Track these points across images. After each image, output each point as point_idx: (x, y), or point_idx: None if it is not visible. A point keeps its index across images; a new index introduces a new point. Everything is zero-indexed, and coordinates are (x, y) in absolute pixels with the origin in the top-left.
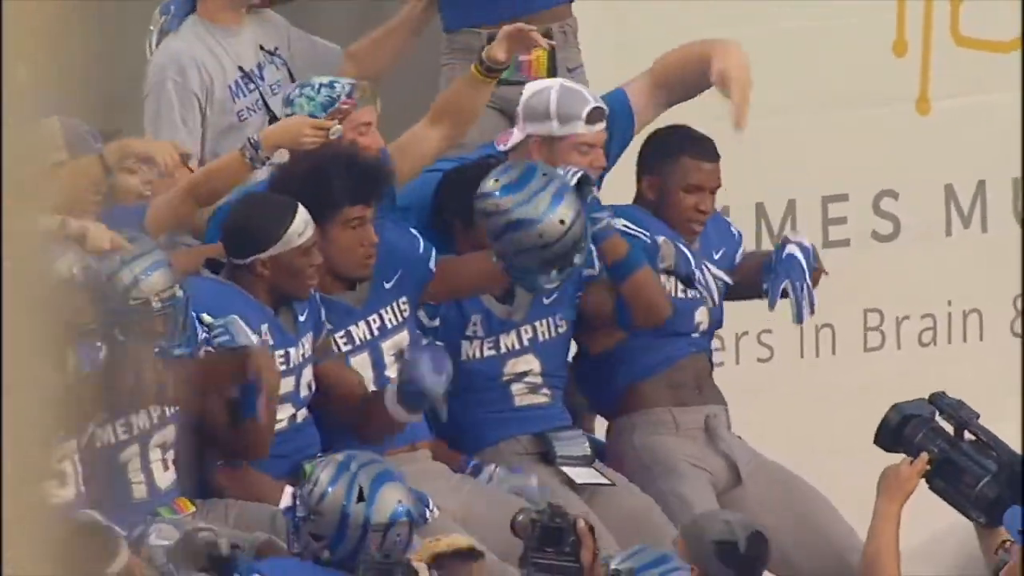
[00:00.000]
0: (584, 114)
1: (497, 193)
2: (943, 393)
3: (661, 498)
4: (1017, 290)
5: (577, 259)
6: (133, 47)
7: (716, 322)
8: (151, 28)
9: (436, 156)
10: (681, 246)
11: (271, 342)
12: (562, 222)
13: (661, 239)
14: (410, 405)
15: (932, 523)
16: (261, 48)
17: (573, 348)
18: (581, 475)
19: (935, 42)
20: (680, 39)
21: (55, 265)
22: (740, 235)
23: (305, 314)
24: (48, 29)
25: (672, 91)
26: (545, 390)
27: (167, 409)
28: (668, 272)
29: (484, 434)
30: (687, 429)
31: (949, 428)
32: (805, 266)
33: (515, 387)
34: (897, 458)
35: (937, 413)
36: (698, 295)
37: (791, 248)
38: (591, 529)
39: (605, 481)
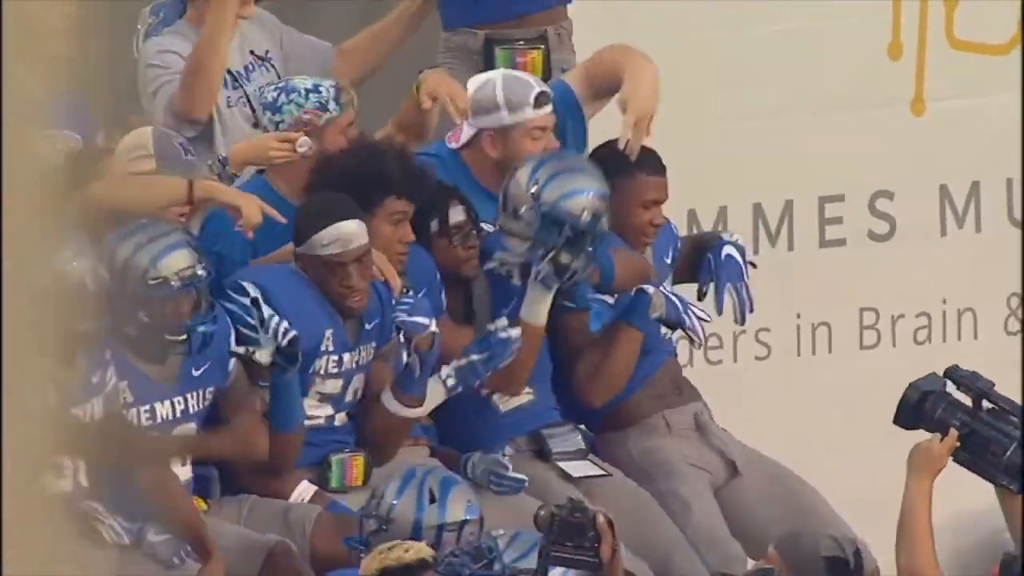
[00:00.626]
0: (532, 99)
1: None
2: (957, 366)
3: (660, 498)
4: (1011, 289)
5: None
6: (115, 52)
7: None
8: (139, 27)
9: None
10: (670, 294)
11: (331, 348)
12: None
13: (652, 290)
14: (397, 383)
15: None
16: (251, 53)
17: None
18: (577, 468)
19: (930, 45)
20: (680, 39)
21: (65, 270)
22: (677, 230)
23: (373, 324)
24: (48, 29)
25: (597, 90)
26: (527, 389)
27: (192, 404)
28: (659, 321)
29: (480, 446)
30: (679, 429)
31: (966, 400)
32: (742, 265)
33: (497, 395)
34: (899, 444)
35: (954, 386)
36: None
37: (728, 249)
38: (611, 524)
39: (601, 472)
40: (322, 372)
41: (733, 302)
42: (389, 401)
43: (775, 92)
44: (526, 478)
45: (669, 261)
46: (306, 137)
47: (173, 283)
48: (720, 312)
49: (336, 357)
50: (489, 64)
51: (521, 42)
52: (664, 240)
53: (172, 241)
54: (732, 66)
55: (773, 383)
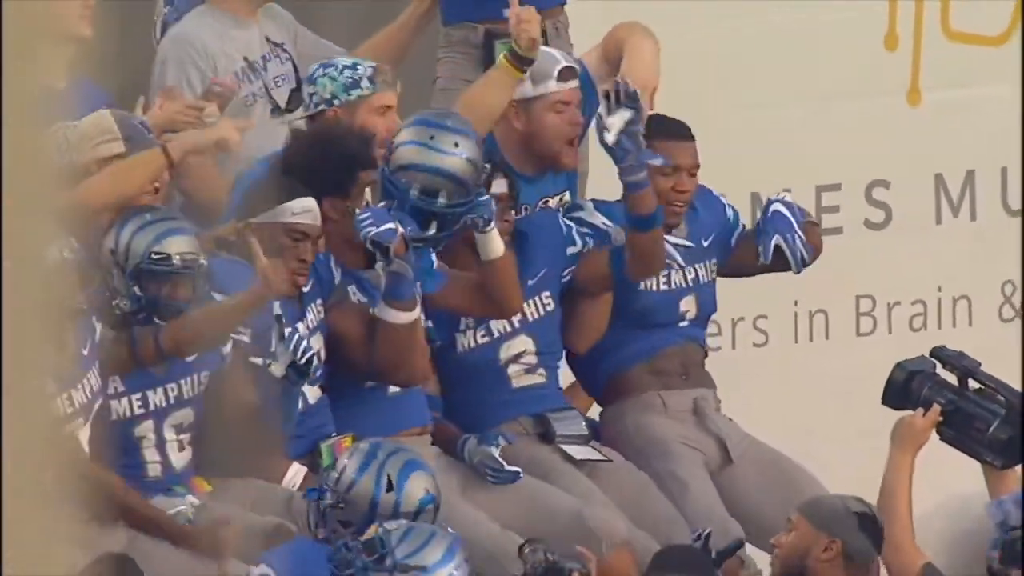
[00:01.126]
0: (555, 72)
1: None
2: (943, 346)
3: (657, 479)
4: (1005, 276)
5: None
6: (141, 40)
7: (707, 309)
8: (155, 18)
9: None
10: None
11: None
12: (456, 144)
13: (614, 228)
14: (389, 292)
15: (920, 503)
16: (268, 40)
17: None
18: (579, 452)
19: (926, 36)
20: (679, 38)
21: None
22: (736, 216)
23: (310, 284)
24: (49, 28)
25: (611, 66)
26: (541, 370)
27: (186, 390)
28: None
29: (485, 418)
30: (676, 411)
31: (953, 379)
32: (792, 218)
33: (512, 369)
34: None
35: (940, 366)
36: (683, 285)
37: (776, 206)
38: None
39: (603, 457)
40: None
41: (786, 252)
42: (386, 313)
43: (772, 84)
44: (520, 470)
45: (707, 244)
46: (215, 107)
47: (175, 261)
48: (766, 259)
49: (288, 329)
50: (489, 58)
51: None
52: (707, 220)
53: (178, 226)
54: (731, 59)
55: (771, 370)
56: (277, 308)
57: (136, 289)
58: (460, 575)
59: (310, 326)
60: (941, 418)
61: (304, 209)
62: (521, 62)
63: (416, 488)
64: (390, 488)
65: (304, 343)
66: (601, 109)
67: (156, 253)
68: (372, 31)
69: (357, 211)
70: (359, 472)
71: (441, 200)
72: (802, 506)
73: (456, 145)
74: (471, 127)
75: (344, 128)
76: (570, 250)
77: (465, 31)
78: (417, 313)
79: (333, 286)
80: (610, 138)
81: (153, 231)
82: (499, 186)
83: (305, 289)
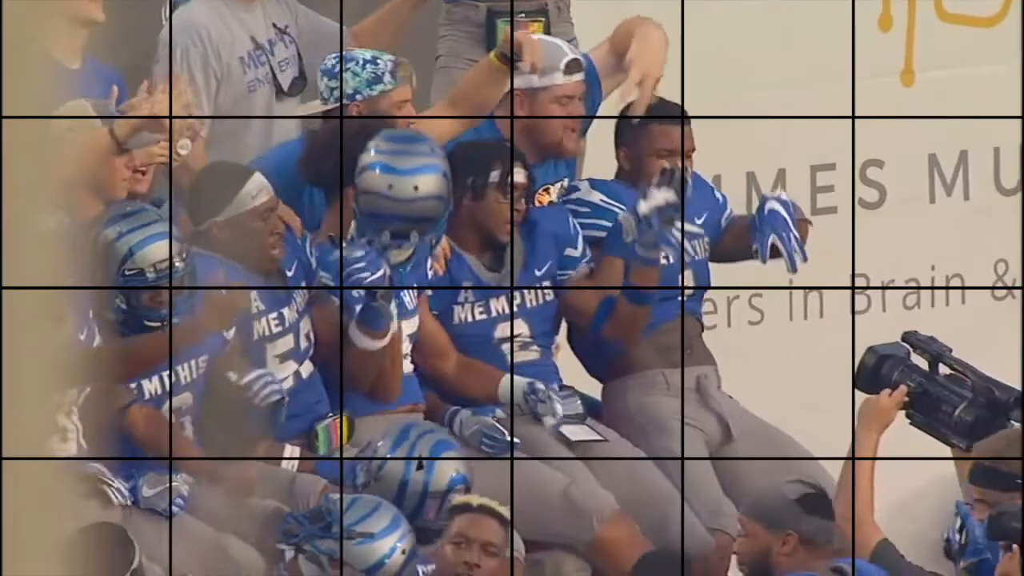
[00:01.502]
0: (562, 65)
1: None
2: (915, 331)
3: (655, 456)
4: (998, 255)
5: (419, 234)
6: (149, 18)
7: (703, 284)
8: None
9: (450, 137)
10: (645, 220)
11: (262, 307)
12: (416, 188)
13: (620, 215)
14: (363, 319)
15: (912, 480)
16: (273, 25)
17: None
18: (575, 432)
19: (919, 17)
20: (674, 21)
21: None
22: (725, 199)
23: (294, 267)
24: (49, 18)
25: (619, 58)
26: (535, 347)
27: (183, 376)
28: (635, 244)
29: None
30: (678, 389)
31: (924, 364)
32: (788, 218)
33: (505, 347)
34: None
35: (912, 351)
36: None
37: (771, 204)
38: None
39: (598, 437)
40: (267, 335)
41: (783, 252)
42: (357, 337)
43: (767, 65)
44: (519, 441)
45: (700, 222)
46: (188, 141)
47: (149, 275)
48: (763, 260)
49: (275, 315)
50: (490, 36)
51: (522, 15)
52: (698, 201)
53: (152, 232)
54: (727, 40)
55: (766, 348)
56: (257, 300)
57: (118, 301)
58: (405, 545)
59: (298, 310)
60: (907, 399)
61: (259, 189)
62: (505, 60)
63: (446, 467)
64: (420, 467)
65: (268, 388)
66: (652, 181)
67: (129, 270)
68: (371, 9)
69: (347, 243)
70: (391, 451)
71: (413, 239)
72: (746, 510)
73: (416, 188)
74: (429, 150)
75: (367, 124)
76: (568, 251)
77: (466, 9)
78: (386, 342)
79: (312, 269)
80: (643, 208)
81: (125, 244)
82: (518, 175)
83: (289, 273)
